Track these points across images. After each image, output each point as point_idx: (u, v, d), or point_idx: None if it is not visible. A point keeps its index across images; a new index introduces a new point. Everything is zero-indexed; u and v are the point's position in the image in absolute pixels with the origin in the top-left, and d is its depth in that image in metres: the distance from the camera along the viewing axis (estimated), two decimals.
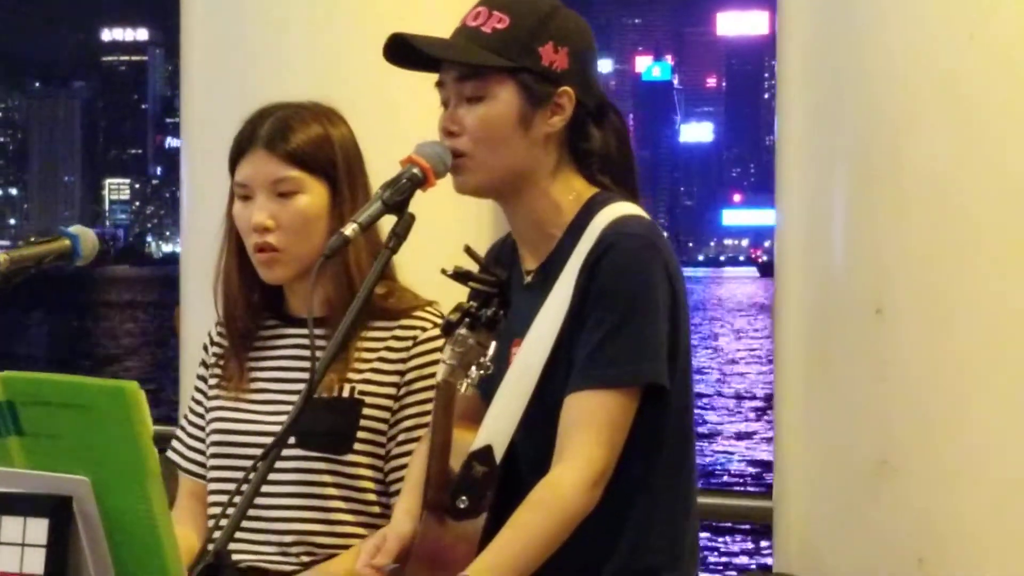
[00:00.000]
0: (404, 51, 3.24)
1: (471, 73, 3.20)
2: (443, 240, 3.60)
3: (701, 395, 39.12)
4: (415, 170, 3.13)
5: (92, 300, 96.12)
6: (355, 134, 3.65)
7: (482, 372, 3.13)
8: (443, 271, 3.14)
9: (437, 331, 3.54)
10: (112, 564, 2.92)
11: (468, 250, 3.21)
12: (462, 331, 3.13)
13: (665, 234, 3.26)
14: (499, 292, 3.15)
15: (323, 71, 4.26)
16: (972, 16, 3.81)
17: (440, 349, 3.53)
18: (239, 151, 3.60)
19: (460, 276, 3.18)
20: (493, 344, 3.13)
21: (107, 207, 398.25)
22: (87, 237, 3.52)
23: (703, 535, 5.87)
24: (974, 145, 3.82)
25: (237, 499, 2.89)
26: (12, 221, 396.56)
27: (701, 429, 33.99)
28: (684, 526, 3.25)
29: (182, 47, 4.84)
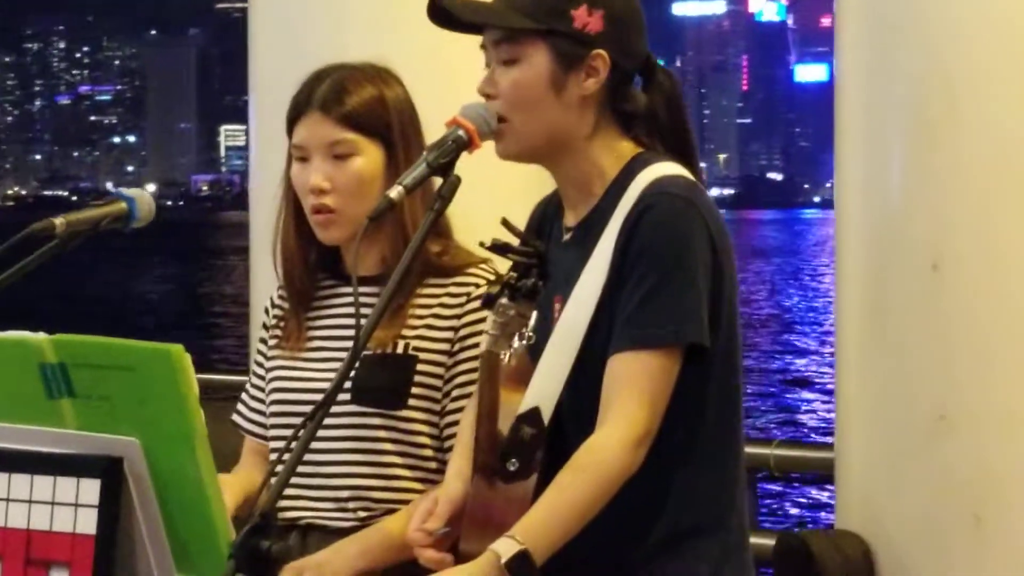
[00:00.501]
0: (443, 13, 3.24)
1: (506, 36, 3.20)
2: (501, 197, 3.60)
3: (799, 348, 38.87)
4: (460, 132, 3.14)
5: (209, 246, 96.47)
6: (411, 94, 3.67)
7: (524, 342, 3.14)
8: (481, 244, 3.15)
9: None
10: (162, 523, 2.96)
11: (505, 222, 3.21)
12: (503, 301, 3.14)
13: (709, 194, 3.24)
14: (537, 263, 3.16)
15: (381, 30, 4.28)
16: None
17: None
18: (296, 113, 3.62)
19: (498, 248, 3.20)
20: (534, 314, 3.14)
21: (223, 153, 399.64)
22: (143, 200, 3.54)
23: (777, 486, 5.89)
24: None
25: (287, 456, 2.90)
26: (130, 168, 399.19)
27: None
28: (731, 488, 3.24)
29: (250, 8, 4.88)
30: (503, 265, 3.61)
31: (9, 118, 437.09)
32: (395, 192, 3.05)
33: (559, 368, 3.17)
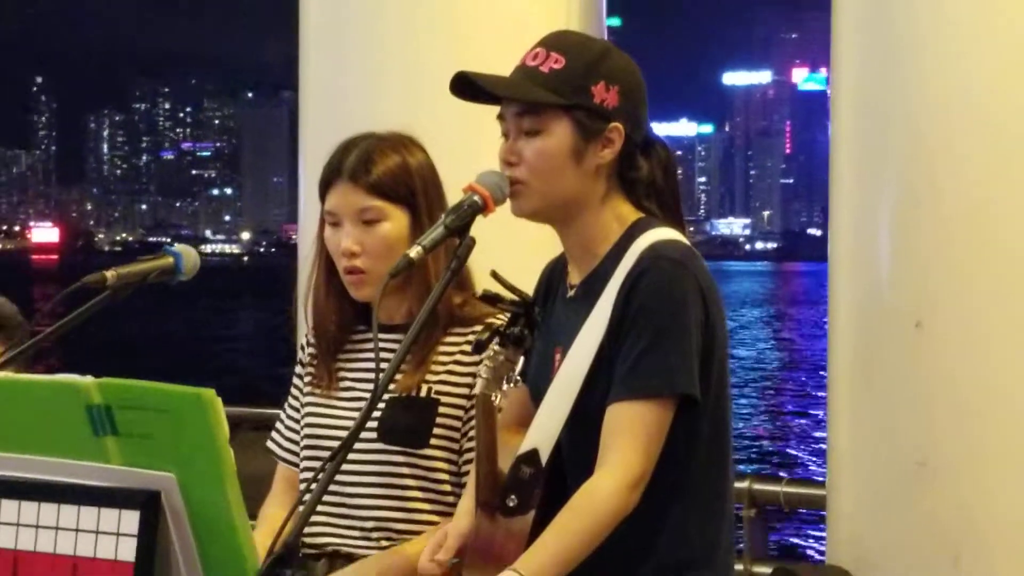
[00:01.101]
0: (468, 87, 3.25)
1: (529, 109, 3.20)
2: (517, 255, 3.59)
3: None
4: (476, 198, 3.15)
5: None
6: (437, 159, 3.68)
7: (512, 385, 3.13)
8: (473, 294, 3.15)
9: None
10: (196, 552, 2.96)
11: (495, 275, 3.22)
12: (494, 347, 3.13)
13: (703, 259, 3.24)
14: (525, 312, 3.15)
15: (412, 101, 4.28)
16: (1003, 57, 3.81)
17: None
18: (328, 181, 3.63)
19: (488, 299, 3.21)
20: (521, 359, 3.13)
21: None
22: (188, 255, 3.55)
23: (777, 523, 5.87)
24: (1007, 172, 3.82)
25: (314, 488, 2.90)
26: (227, 218, 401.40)
27: None
28: (719, 524, 3.23)
29: (300, 74, 4.91)
30: None
31: (118, 171, 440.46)
32: (414, 252, 3.06)
33: (558, 414, 3.17)
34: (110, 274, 3.40)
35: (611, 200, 3.25)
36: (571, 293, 3.29)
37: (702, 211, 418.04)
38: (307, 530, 3.63)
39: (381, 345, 3.51)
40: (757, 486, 5.86)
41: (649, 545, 3.15)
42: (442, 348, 3.57)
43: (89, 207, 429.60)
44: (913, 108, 3.97)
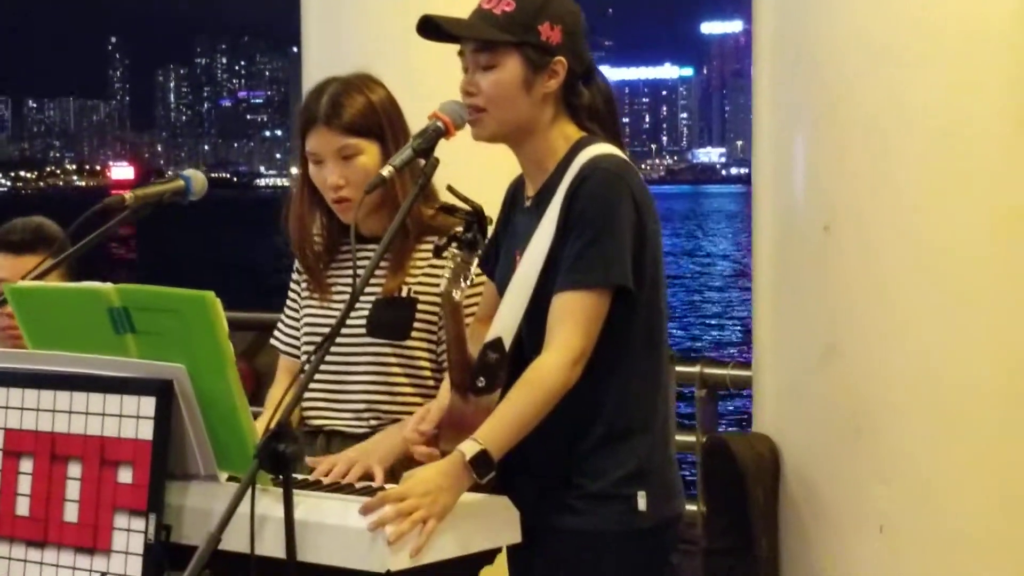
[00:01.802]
0: (433, 29, 3.24)
1: (485, 46, 3.20)
2: (477, 173, 3.58)
3: None
4: (438, 123, 3.15)
5: None
6: (400, 94, 3.66)
7: (470, 283, 3.13)
8: (389, 174, 3.12)
9: None
10: (204, 431, 2.98)
11: (450, 188, 3.20)
12: (452, 250, 3.13)
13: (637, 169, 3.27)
14: (477, 219, 3.14)
15: (388, 46, 4.26)
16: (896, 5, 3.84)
17: None
18: (306, 125, 3.60)
19: (446, 209, 3.19)
20: (475, 260, 3.13)
21: None
22: (197, 178, 3.55)
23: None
24: (897, 101, 3.84)
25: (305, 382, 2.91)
26: (278, 156, 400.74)
27: None
28: (655, 396, 3.23)
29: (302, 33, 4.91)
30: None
31: (184, 117, 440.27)
32: (386, 171, 3.08)
33: (516, 306, 3.17)
34: (128, 195, 3.40)
35: (558, 122, 3.25)
36: (527, 204, 3.29)
37: (684, 142, 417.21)
38: (307, 412, 3.66)
39: (364, 254, 3.54)
40: (707, 370, 5.90)
41: (596, 415, 3.16)
42: (417, 255, 3.56)
43: (159, 148, 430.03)
44: (818, 49, 3.98)
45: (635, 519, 3.16)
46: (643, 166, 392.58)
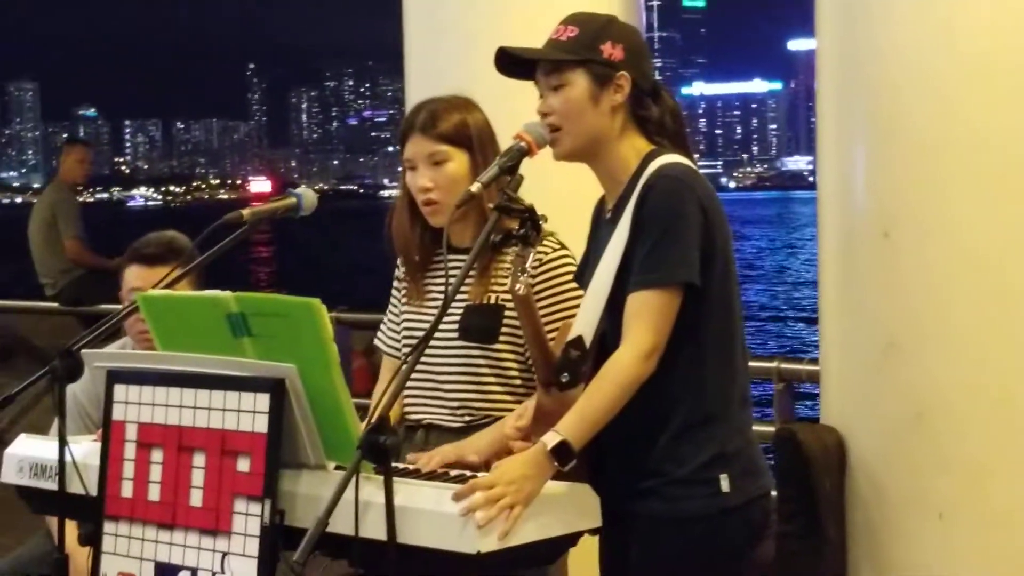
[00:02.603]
0: (508, 62, 3.28)
1: (553, 68, 3.22)
2: (560, 192, 3.59)
3: None
4: (522, 143, 3.17)
5: None
6: (492, 117, 3.69)
7: (528, 276, 3.13)
8: (489, 206, 3.12)
9: (558, 254, 3.56)
10: (314, 424, 3.01)
11: (504, 191, 3.13)
12: (512, 249, 3.14)
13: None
14: (529, 217, 3.12)
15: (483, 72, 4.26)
16: (950, 24, 3.80)
17: (562, 268, 3.55)
18: (404, 136, 3.65)
19: (500, 208, 3.14)
20: (531, 254, 3.12)
21: None
22: (308, 196, 3.57)
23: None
24: (951, 117, 3.80)
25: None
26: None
27: None
28: (731, 386, 3.21)
29: (405, 62, 4.92)
30: (565, 238, 3.61)
31: (315, 135, 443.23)
32: (475, 187, 3.09)
33: (596, 306, 3.17)
34: (246, 212, 3.43)
35: (628, 137, 3.24)
36: (608, 216, 3.28)
37: (773, 151, 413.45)
38: (408, 409, 3.67)
39: (455, 263, 3.55)
40: (784, 365, 5.87)
41: (675, 405, 3.15)
42: (504, 265, 3.56)
43: (293, 163, 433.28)
44: (876, 68, 3.93)
45: (720, 500, 3.14)
46: (735, 174, 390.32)
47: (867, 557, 3.99)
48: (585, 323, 3.18)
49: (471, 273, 3.51)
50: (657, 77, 3.33)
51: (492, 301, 3.55)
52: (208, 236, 3.44)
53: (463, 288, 3.51)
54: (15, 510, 3.72)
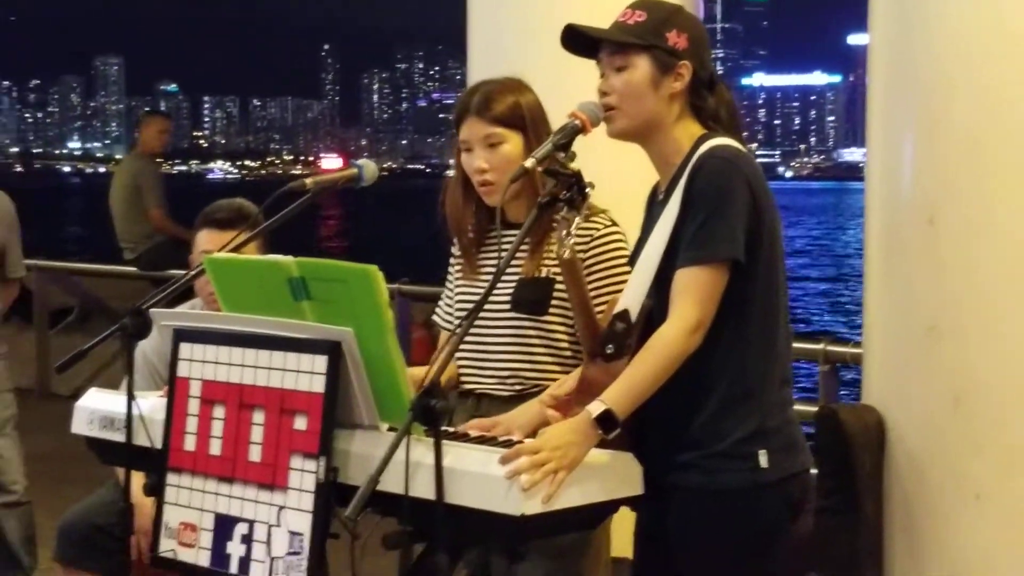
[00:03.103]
0: (573, 40, 3.25)
1: (619, 49, 3.20)
2: (621, 174, 3.58)
3: None
4: (576, 121, 3.15)
5: None
6: (549, 98, 3.67)
7: (573, 240, 3.10)
8: (524, 171, 3.08)
9: (609, 230, 3.55)
10: (368, 385, 3.01)
11: (552, 157, 3.11)
12: (560, 214, 3.12)
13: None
14: (576, 181, 3.10)
15: (543, 54, 4.24)
16: (1001, 17, 3.78)
17: (612, 244, 3.54)
18: (459, 118, 3.64)
19: (548, 172, 3.12)
20: (576, 218, 3.10)
21: None
22: (369, 167, 3.58)
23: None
24: (996, 110, 3.79)
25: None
26: None
27: None
28: (771, 364, 3.17)
29: (468, 41, 4.92)
30: (620, 217, 3.60)
31: (385, 115, 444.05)
32: (528, 163, 3.08)
33: (643, 281, 3.15)
34: (309, 181, 3.45)
35: (683, 121, 3.22)
36: (660, 196, 3.26)
37: (831, 143, 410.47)
38: (461, 377, 3.68)
39: (509, 238, 3.55)
40: (830, 347, 5.84)
41: (717, 379, 3.12)
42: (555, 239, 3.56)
43: (363, 142, 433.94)
44: (925, 61, 3.93)
45: (758, 475, 3.11)
46: (792, 164, 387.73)
47: (903, 535, 3.98)
48: (632, 297, 3.17)
49: (524, 248, 3.51)
50: (717, 68, 3.30)
51: (542, 275, 3.54)
52: (273, 202, 3.46)
53: (516, 262, 3.52)
54: (87, 463, 3.77)
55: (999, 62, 3.77)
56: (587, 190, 3.09)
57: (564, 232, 3.08)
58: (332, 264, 3.01)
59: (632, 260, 3.30)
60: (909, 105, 3.98)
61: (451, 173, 3.75)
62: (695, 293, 3.05)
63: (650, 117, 3.20)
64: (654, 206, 3.31)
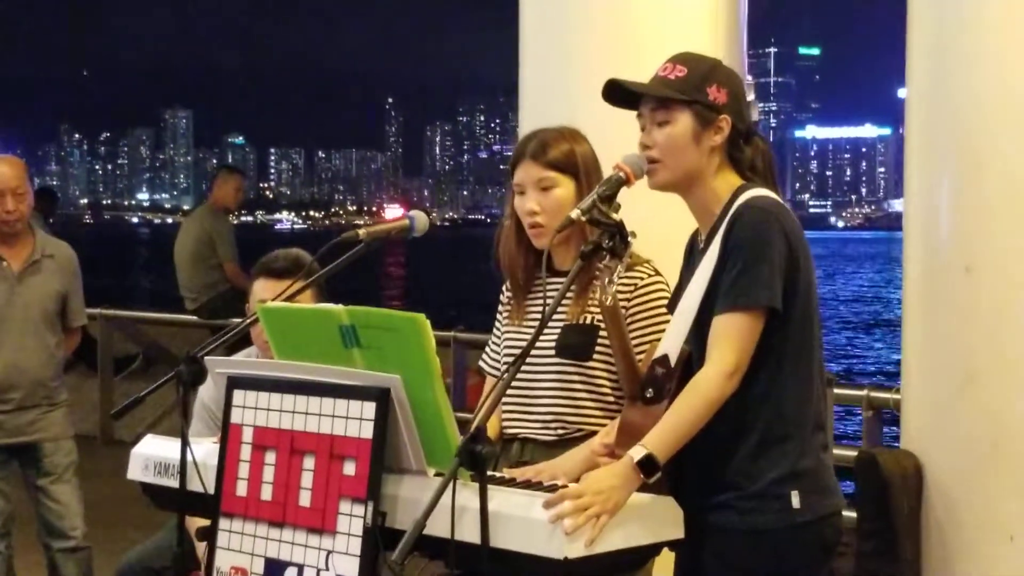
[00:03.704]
0: (615, 93, 3.27)
1: (661, 104, 3.21)
2: (663, 224, 3.59)
3: None
4: (620, 174, 3.17)
5: None
6: (599, 143, 3.68)
7: (615, 287, 3.11)
8: (570, 221, 3.08)
9: (652, 280, 3.56)
10: (416, 431, 3.02)
11: (595, 205, 3.10)
12: (603, 264, 3.13)
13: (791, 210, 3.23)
14: (618, 230, 3.11)
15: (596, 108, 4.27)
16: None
17: (655, 292, 3.54)
18: (515, 162, 3.66)
19: (592, 220, 3.11)
20: (619, 267, 3.10)
21: None
22: (420, 218, 3.60)
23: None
24: None
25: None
26: None
27: None
28: (807, 408, 3.16)
29: (520, 94, 4.95)
30: (661, 265, 3.60)
31: (447, 166, 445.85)
32: (575, 213, 3.08)
33: (682, 327, 3.16)
34: (362, 232, 3.47)
35: (722, 173, 3.24)
36: (701, 245, 3.27)
37: (881, 193, 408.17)
38: (504, 423, 3.68)
39: (554, 284, 3.56)
40: (873, 393, 5.83)
41: (753, 423, 3.13)
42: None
43: (426, 193, 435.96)
44: (964, 109, 3.93)
45: (791, 515, 3.10)
46: (844, 214, 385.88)
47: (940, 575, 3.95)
48: (671, 343, 3.18)
49: (569, 294, 3.51)
50: (771, 121, 3.30)
51: (587, 321, 3.55)
52: (327, 252, 3.48)
53: (562, 308, 3.53)
54: (147, 508, 3.78)
55: None
56: (629, 239, 3.11)
57: (607, 279, 3.09)
58: (381, 312, 3.02)
59: (671, 306, 3.31)
60: (946, 151, 3.98)
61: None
62: (733, 338, 3.05)
63: (691, 169, 3.21)
64: (693, 254, 3.31)
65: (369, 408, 2.98)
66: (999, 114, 3.83)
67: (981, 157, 3.86)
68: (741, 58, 4.97)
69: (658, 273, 3.59)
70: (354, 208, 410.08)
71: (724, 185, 3.23)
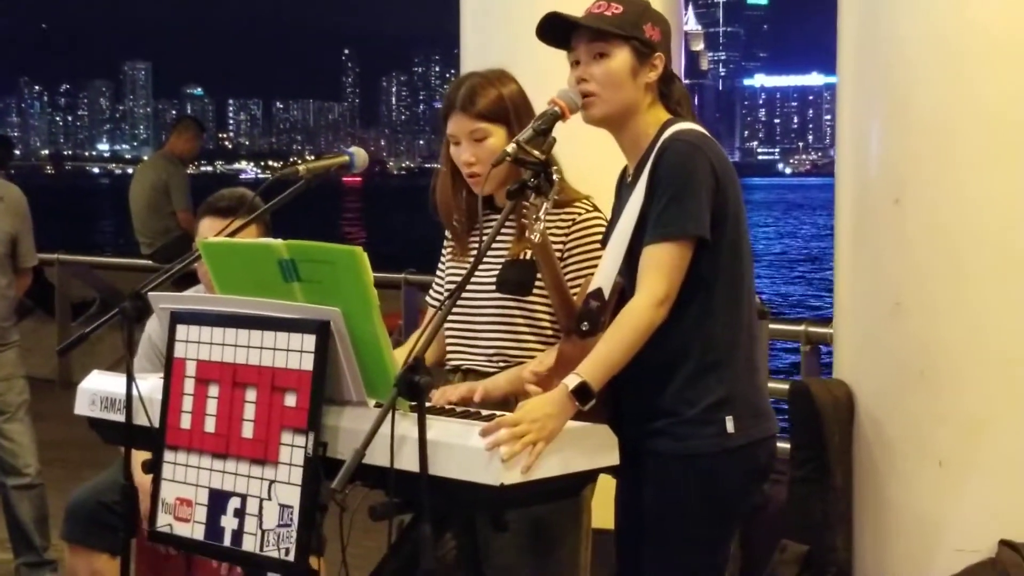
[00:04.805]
0: (549, 29, 3.25)
1: (599, 37, 3.19)
2: (597, 158, 3.57)
3: None
4: (555, 108, 3.14)
5: None
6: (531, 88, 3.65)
7: (542, 224, 3.07)
8: (506, 155, 3.05)
9: (590, 215, 3.55)
10: (356, 363, 3.00)
11: (518, 144, 3.07)
12: (530, 201, 3.11)
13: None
14: (543, 169, 3.07)
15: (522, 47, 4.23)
16: (958, 5, 3.80)
17: (593, 228, 3.53)
18: (446, 112, 3.63)
19: (516, 160, 3.08)
20: (544, 204, 3.06)
21: None
22: (360, 154, 3.58)
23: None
24: (961, 94, 3.80)
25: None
26: None
27: None
28: (737, 333, 3.17)
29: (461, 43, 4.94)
30: (600, 201, 3.59)
31: (403, 116, 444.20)
32: (510, 148, 3.06)
33: (614, 260, 3.16)
34: (302, 168, 3.44)
35: (653, 108, 3.24)
36: (629, 180, 3.27)
37: (828, 140, 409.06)
38: (449, 354, 3.67)
39: (491, 221, 3.53)
40: (811, 328, 5.86)
41: (686, 350, 3.14)
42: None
43: (383, 143, 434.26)
44: (893, 49, 3.94)
45: (725, 440, 3.12)
46: (791, 161, 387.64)
47: (871, 501, 4.00)
48: (604, 276, 3.18)
49: (510, 233, 3.50)
50: (720, 70, 3.32)
51: (526, 257, 3.54)
52: (269, 188, 3.45)
53: (503, 246, 3.51)
54: (103, 450, 3.77)
55: (962, 38, 3.79)
56: (555, 176, 3.08)
57: (533, 217, 3.07)
58: (320, 246, 3.00)
59: (604, 241, 3.31)
60: (874, 88, 4.00)
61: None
62: (661, 268, 3.06)
63: (627, 104, 3.20)
64: (623, 188, 3.31)
65: (309, 341, 2.96)
66: (924, 55, 3.85)
67: (906, 91, 3.88)
68: (679, 5, 4.98)
69: (596, 209, 3.57)
70: (312, 157, 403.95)
71: (653, 121, 3.23)
